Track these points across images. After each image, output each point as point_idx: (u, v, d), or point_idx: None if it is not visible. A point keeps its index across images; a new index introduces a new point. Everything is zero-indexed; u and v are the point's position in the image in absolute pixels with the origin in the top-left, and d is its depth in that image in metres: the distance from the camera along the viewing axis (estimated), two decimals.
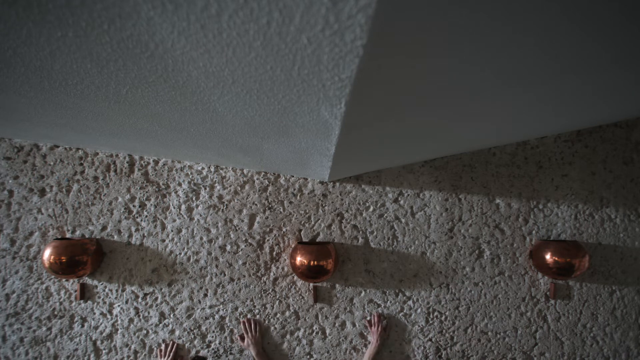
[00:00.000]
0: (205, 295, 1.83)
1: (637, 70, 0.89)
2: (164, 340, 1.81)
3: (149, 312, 1.81)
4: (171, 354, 1.77)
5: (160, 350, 1.79)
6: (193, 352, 1.81)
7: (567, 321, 1.87)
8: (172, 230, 1.84)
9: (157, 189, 1.86)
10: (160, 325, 1.81)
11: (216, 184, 1.87)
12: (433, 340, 1.86)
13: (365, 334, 1.84)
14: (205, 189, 1.86)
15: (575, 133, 1.94)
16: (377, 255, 1.87)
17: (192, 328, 1.82)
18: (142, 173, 1.86)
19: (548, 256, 1.75)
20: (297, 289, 1.85)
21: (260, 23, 0.50)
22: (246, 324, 1.79)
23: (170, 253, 1.83)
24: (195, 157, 1.72)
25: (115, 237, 1.83)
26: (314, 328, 1.84)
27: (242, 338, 1.79)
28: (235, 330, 1.82)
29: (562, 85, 0.92)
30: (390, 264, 1.87)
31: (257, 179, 1.88)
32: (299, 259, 1.72)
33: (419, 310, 1.86)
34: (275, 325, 1.83)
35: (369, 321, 1.83)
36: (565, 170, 1.92)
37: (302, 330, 1.84)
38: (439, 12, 0.49)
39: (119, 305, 1.81)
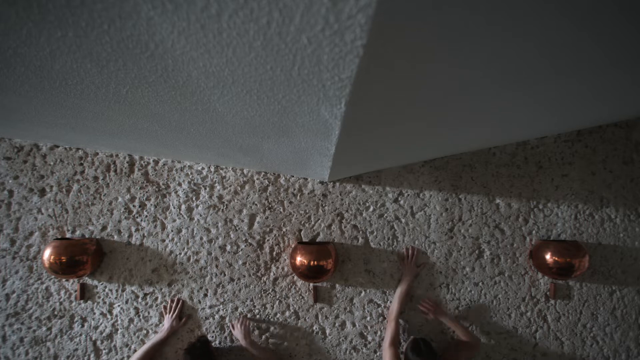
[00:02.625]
0: (205, 295, 1.83)
1: (636, 70, 0.89)
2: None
3: (149, 312, 1.81)
4: (176, 311, 1.78)
5: (165, 307, 1.80)
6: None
7: (567, 321, 1.87)
8: (172, 230, 1.84)
9: (157, 189, 1.86)
10: (160, 325, 1.81)
11: (216, 184, 1.87)
12: (434, 340, 1.86)
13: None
14: (205, 189, 1.86)
15: (575, 133, 1.94)
16: (377, 255, 1.87)
17: (192, 328, 1.81)
18: (142, 173, 1.86)
19: (548, 256, 1.75)
20: (297, 289, 1.85)
21: (260, 23, 0.50)
22: (239, 320, 1.79)
23: (170, 253, 1.83)
24: (195, 157, 1.72)
25: (115, 237, 1.83)
26: (314, 328, 1.84)
27: (234, 327, 1.79)
28: None
29: (562, 86, 0.92)
30: (390, 264, 1.87)
31: (257, 179, 1.88)
32: (299, 259, 1.72)
33: (419, 310, 1.86)
34: (275, 325, 1.83)
35: (401, 254, 1.85)
36: (565, 170, 1.92)
37: (302, 330, 1.84)
38: (439, 13, 0.49)
39: (119, 305, 1.81)
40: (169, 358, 1.80)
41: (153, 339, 1.74)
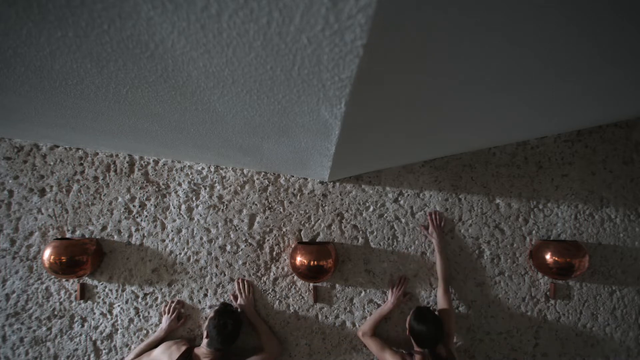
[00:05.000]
0: (205, 295, 1.83)
1: (635, 70, 0.89)
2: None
3: (149, 312, 1.81)
4: (175, 312, 1.79)
5: (165, 305, 1.81)
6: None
7: (567, 321, 1.87)
8: (172, 230, 1.84)
9: (157, 189, 1.86)
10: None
11: (216, 184, 1.87)
12: None
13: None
14: (205, 189, 1.86)
15: (575, 133, 1.94)
16: (377, 255, 1.87)
17: (193, 328, 1.81)
18: (142, 173, 1.86)
19: (548, 256, 1.75)
20: (297, 289, 1.85)
21: (260, 23, 0.50)
22: (240, 284, 1.81)
23: (170, 253, 1.83)
24: (195, 157, 1.72)
25: (115, 237, 1.83)
26: (314, 328, 1.84)
27: (236, 298, 1.80)
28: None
29: (561, 86, 0.92)
30: (390, 264, 1.87)
31: (257, 179, 1.88)
32: (299, 259, 1.72)
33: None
34: (275, 325, 1.83)
35: (392, 281, 1.85)
36: (565, 170, 1.92)
37: (302, 330, 1.84)
38: (439, 14, 0.49)
39: (119, 305, 1.81)
40: None
41: (151, 337, 1.75)
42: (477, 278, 1.87)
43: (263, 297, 1.84)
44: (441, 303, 1.71)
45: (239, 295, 1.79)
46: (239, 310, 1.73)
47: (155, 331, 1.80)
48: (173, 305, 1.80)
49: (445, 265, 1.77)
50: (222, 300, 1.82)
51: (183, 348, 1.60)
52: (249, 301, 1.79)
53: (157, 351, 1.64)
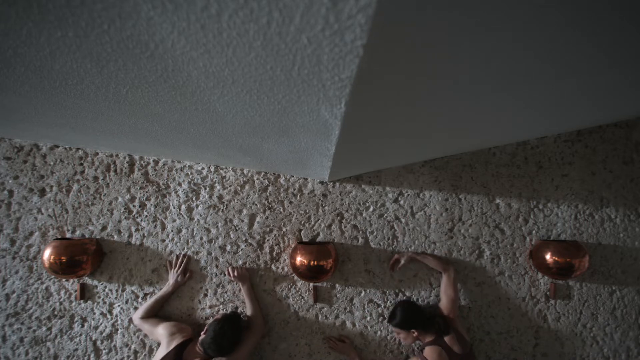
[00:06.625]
0: (205, 295, 1.83)
1: (635, 70, 0.89)
2: (172, 252, 1.83)
3: None
4: (181, 266, 1.79)
5: (170, 262, 1.81)
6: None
7: (567, 321, 1.87)
8: (172, 230, 1.84)
9: (157, 189, 1.86)
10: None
11: (216, 184, 1.87)
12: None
13: (365, 331, 1.84)
14: (205, 189, 1.86)
15: (575, 133, 1.94)
16: (377, 255, 1.87)
17: (192, 328, 1.81)
18: (142, 173, 1.86)
19: (548, 256, 1.75)
20: (297, 289, 1.85)
21: (260, 23, 0.50)
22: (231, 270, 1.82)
23: (170, 253, 1.83)
24: (195, 157, 1.72)
25: (115, 237, 1.83)
26: (314, 328, 1.84)
27: (231, 274, 1.81)
28: None
29: (561, 86, 0.92)
30: None
31: (257, 179, 1.88)
32: (299, 259, 1.72)
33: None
34: (275, 326, 1.83)
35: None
36: (565, 170, 1.92)
37: (302, 330, 1.84)
38: (439, 14, 0.49)
39: (119, 305, 1.81)
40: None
41: (158, 293, 1.75)
42: (477, 278, 1.87)
43: (263, 297, 1.84)
44: (443, 287, 1.77)
45: (231, 278, 1.80)
46: (244, 319, 1.73)
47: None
48: (179, 259, 1.80)
49: (439, 261, 1.79)
50: (221, 300, 1.82)
51: (181, 339, 1.60)
52: (243, 273, 1.79)
53: (161, 328, 1.65)
